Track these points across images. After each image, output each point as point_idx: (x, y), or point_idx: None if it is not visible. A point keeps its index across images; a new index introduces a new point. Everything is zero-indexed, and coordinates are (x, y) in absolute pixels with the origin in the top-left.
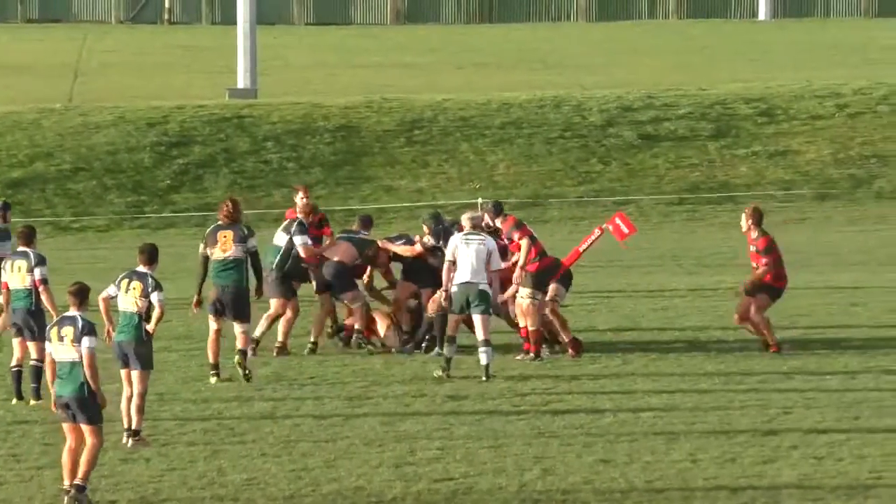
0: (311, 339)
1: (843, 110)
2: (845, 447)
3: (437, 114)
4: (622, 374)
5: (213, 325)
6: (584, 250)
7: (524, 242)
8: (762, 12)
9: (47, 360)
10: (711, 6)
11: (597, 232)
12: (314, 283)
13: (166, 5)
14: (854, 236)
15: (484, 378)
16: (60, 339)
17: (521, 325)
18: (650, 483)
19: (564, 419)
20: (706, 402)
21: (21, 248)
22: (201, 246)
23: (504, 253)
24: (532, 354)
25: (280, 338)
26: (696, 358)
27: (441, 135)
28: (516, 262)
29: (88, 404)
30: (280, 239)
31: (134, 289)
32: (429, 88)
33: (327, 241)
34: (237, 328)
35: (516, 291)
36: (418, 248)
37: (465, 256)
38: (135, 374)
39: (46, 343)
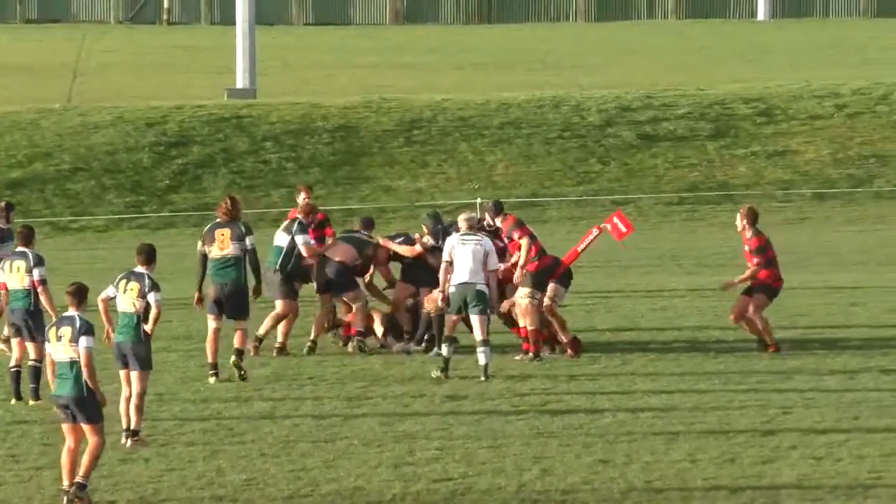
0: (311, 339)
1: (842, 110)
2: (844, 447)
3: (436, 114)
4: (621, 375)
5: (211, 325)
6: (583, 250)
7: (524, 242)
8: (761, 12)
9: (47, 360)
10: (710, 6)
11: (595, 231)
12: (315, 283)
13: (165, 5)
14: (853, 236)
15: (483, 378)
16: (58, 338)
17: (521, 325)
18: (649, 483)
19: (563, 419)
20: (705, 403)
21: (20, 249)
22: (199, 244)
23: (503, 254)
24: (531, 354)
25: (280, 338)
26: (695, 358)
27: (440, 135)
28: (516, 263)
29: (87, 404)
30: (281, 239)
31: (131, 289)
32: (428, 88)
33: (329, 242)
34: (235, 325)
35: (512, 305)
36: (418, 248)
37: (462, 257)
38: (134, 374)
39: (46, 343)
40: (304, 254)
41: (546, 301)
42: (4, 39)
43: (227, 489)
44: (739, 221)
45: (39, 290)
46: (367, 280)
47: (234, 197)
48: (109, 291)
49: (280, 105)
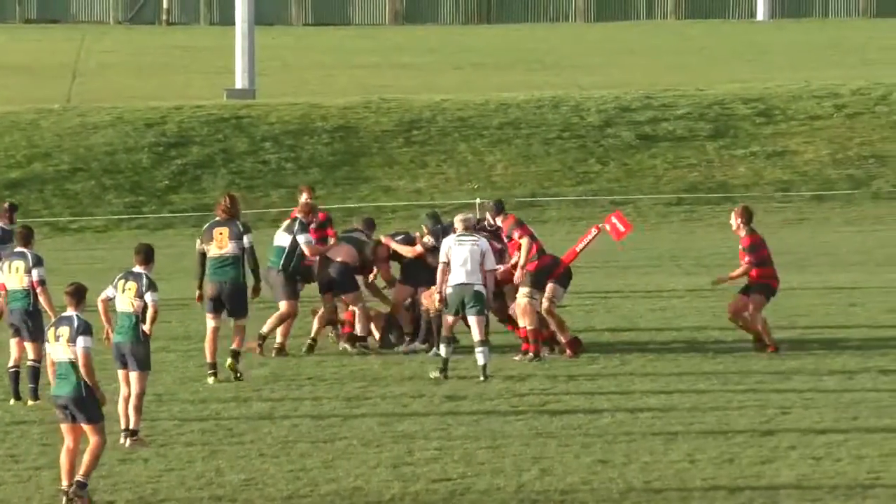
0: (311, 336)
1: (841, 111)
2: (843, 447)
3: (436, 114)
4: (620, 375)
5: (210, 324)
6: (581, 250)
7: (524, 241)
8: (760, 12)
9: (48, 360)
10: (710, 6)
11: (593, 231)
12: (318, 283)
13: (164, 6)
14: (852, 237)
15: (482, 378)
16: (57, 339)
17: (521, 325)
18: (648, 483)
19: (562, 419)
20: (704, 403)
21: (19, 249)
22: (198, 242)
23: (502, 255)
24: (531, 354)
25: (279, 339)
26: (694, 358)
27: (439, 135)
28: (517, 263)
29: (87, 404)
30: (282, 239)
31: (129, 289)
32: (427, 89)
33: (332, 242)
34: (234, 323)
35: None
36: (419, 248)
37: (458, 258)
38: (133, 374)
39: (45, 344)
40: (307, 253)
41: (544, 302)
42: (3, 39)
43: (226, 489)
44: (734, 220)
45: (38, 290)
46: (371, 279)
47: (233, 195)
48: (109, 292)
49: (279, 105)
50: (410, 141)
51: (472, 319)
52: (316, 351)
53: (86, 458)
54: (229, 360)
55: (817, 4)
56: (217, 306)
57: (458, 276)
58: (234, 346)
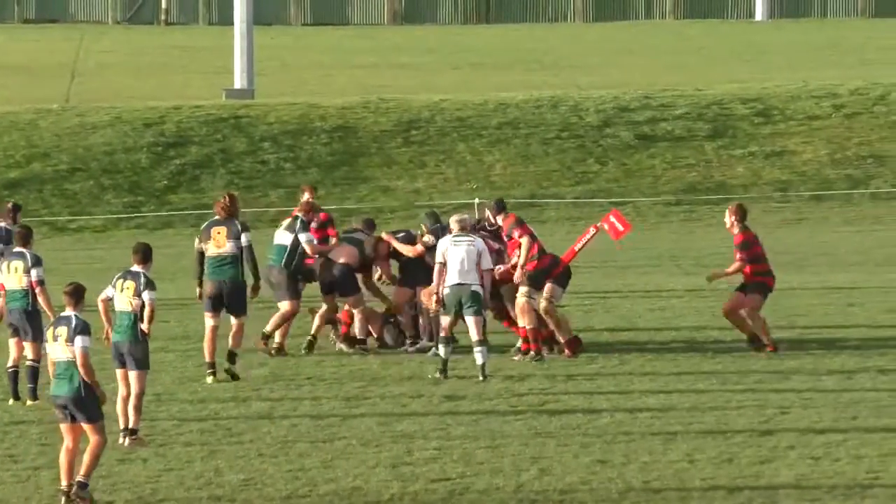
0: (311, 334)
1: (839, 111)
2: (842, 447)
3: (434, 114)
4: (619, 375)
5: (209, 322)
6: (580, 249)
7: (524, 241)
8: (759, 13)
9: (49, 360)
10: (708, 6)
11: (591, 230)
12: (319, 283)
13: (163, 6)
14: (851, 237)
15: (480, 377)
16: (55, 339)
17: (520, 325)
18: (647, 483)
19: (561, 419)
20: (703, 403)
21: (17, 249)
22: (196, 241)
23: (500, 255)
24: (533, 353)
25: (277, 338)
26: (693, 358)
27: (438, 135)
28: (517, 263)
29: (86, 403)
30: (284, 237)
31: (128, 288)
32: (426, 89)
33: (333, 242)
34: (233, 321)
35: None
36: (419, 248)
37: (455, 258)
38: (132, 374)
39: (45, 344)
40: (308, 251)
41: (542, 302)
42: (2, 39)
43: (225, 489)
44: (728, 218)
45: (37, 290)
46: (376, 278)
47: (232, 194)
48: (108, 292)
49: (278, 105)
50: (409, 141)
51: (470, 320)
52: (315, 350)
53: (86, 459)
54: (227, 366)
55: (816, 4)
56: (216, 305)
57: (454, 276)
58: (231, 347)
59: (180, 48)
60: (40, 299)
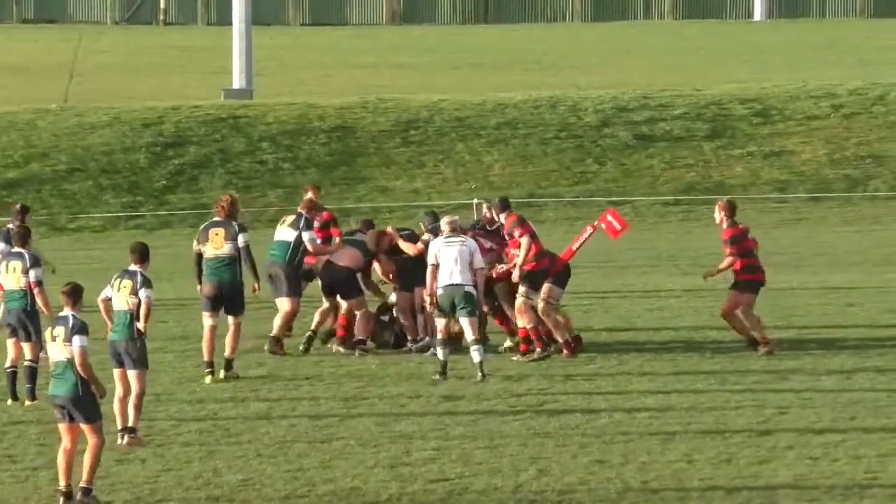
0: (311, 329)
1: (838, 111)
2: (841, 447)
3: (433, 114)
4: (617, 375)
5: (208, 322)
6: (578, 249)
7: (524, 241)
8: (757, 13)
9: (50, 360)
10: (707, 6)
11: (589, 230)
12: (321, 284)
13: (161, 6)
14: (849, 237)
15: (479, 376)
16: (53, 339)
17: (520, 325)
18: (646, 483)
19: (560, 419)
20: (702, 403)
21: (16, 249)
22: (195, 242)
23: (493, 255)
24: (538, 350)
25: (275, 331)
26: (691, 358)
27: (436, 135)
28: (516, 264)
29: (84, 403)
30: (287, 234)
31: (125, 287)
32: (424, 89)
33: (336, 241)
34: (230, 320)
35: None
36: (420, 245)
37: (447, 259)
38: (131, 374)
39: (45, 344)
40: (310, 249)
41: (540, 303)
42: (1, 39)
43: (223, 489)
44: (717, 214)
45: (35, 291)
46: (380, 273)
47: (234, 196)
48: (107, 291)
49: (277, 105)
50: (408, 141)
51: (464, 321)
52: (313, 349)
53: (87, 463)
54: (223, 373)
55: (814, 4)
56: (215, 305)
57: (447, 277)
58: (227, 355)
59: (179, 48)
60: (38, 300)
